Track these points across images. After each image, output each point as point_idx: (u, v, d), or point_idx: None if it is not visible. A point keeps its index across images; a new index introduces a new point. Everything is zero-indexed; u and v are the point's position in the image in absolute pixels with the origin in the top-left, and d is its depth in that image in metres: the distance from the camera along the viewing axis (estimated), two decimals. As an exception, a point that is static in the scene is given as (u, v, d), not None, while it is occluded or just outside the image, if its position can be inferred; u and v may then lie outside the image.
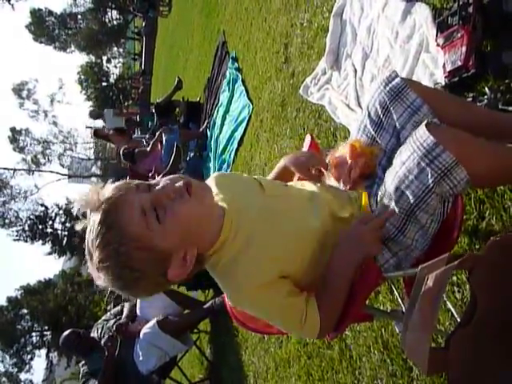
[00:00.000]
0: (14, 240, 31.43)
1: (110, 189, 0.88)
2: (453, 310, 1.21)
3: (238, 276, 0.92)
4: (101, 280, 0.87)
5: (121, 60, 39.36)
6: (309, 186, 1.15)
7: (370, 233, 0.94)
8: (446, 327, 1.28)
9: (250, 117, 3.75)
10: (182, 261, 0.90)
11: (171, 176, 0.92)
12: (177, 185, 0.89)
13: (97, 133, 6.82)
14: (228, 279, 0.95)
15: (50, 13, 34.65)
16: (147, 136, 6.49)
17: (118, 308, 3.78)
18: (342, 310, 0.95)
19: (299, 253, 0.97)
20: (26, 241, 31.37)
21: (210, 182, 1.10)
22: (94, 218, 0.85)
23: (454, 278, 1.30)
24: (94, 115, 6.95)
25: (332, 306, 0.95)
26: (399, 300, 1.32)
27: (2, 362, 30.25)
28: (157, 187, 0.89)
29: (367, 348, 1.63)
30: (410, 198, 0.88)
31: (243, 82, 4.12)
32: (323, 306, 0.94)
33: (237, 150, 3.97)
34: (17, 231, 31.23)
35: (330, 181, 1.12)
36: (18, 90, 34.16)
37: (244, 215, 0.98)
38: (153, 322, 3.14)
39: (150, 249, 0.86)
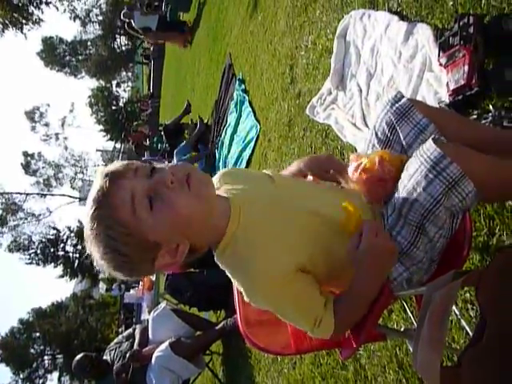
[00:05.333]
0: (27, 263, 31.68)
1: (112, 165, 0.88)
2: (467, 327, 1.20)
3: (252, 268, 0.89)
4: (93, 251, 0.88)
5: (130, 84, 40.21)
6: (321, 185, 1.12)
7: (392, 244, 0.91)
8: (461, 345, 1.27)
9: (258, 137, 3.80)
10: (172, 252, 0.89)
11: (176, 164, 0.91)
12: (178, 175, 0.87)
13: (130, 25, 8.44)
14: (242, 273, 0.92)
15: (61, 40, 35.69)
16: (157, 158, 6.60)
17: (130, 330, 3.77)
18: (357, 324, 0.94)
19: (315, 241, 0.94)
20: (38, 264, 31.58)
21: (218, 176, 1.08)
22: (92, 191, 0.86)
23: (467, 295, 1.29)
24: (127, 16, 8.36)
25: (354, 311, 0.93)
26: (412, 318, 1.32)
27: (15, 386, 30.09)
28: (157, 174, 0.87)
29: (382, 368, 1.61)
30: (419, 210, 0.89)
31: (250, 103, 4.19)
32: (345, 309, 0.92)
33: (245, 169, 4.01)
34: (29, 255, 31.49)
35: (348, 185, 1.08)
36: (30, 114, 34.98)
37: (254, 206, 0.96)
38: (165, 344, 3.12)
39: (138, 237, 0.85)
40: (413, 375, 1.46)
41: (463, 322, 1.22)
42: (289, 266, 0.90)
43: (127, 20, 8.57)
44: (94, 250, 0.87)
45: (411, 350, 1.41)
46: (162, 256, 0.89)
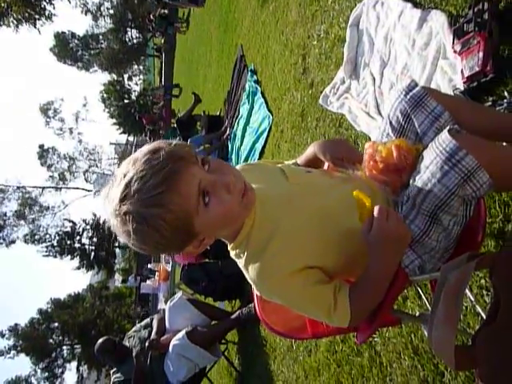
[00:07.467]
0: (44, 256, 32.33)
1: (176, 147, 0.86)
2: (482, 313, 1.22)
3: (264, 265, 0.94)
4: (118, 222, 0.84)
5: (141, 77, 40.36)
6: (335, 176, 1.13)
7: (403, 228, 0.91)
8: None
9: (271, 128, 3.81)
10: (197, 244, 0.93)
11: (238, 173, 0.94)
12: (239, 184, 0.91)
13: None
14: (254, 269, 0.95)
15: (73, 35, 35.93)
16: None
17: (148, 320, 3.86)
18: (375, 307, 0.95)
19: (325, 240, 0.97)
20: (56, 256, 32.18)
21: None
22: (153, 168, 0.81)
23: (482, 282, 1.30)
24: None
25: (369, 297, 0.95)
26: (427, 305, 1.33)
27: (35, 376, 30.90)
28: (217, 174, 0.89)
29: (397, 354, 1.64)
30: (433, 200, 0.90)
31: (262, 94, 4.19)
32: (360, 295, 0.94)
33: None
34: (46, 247, 32.10)
35: (360, 173, 1.09)
36: (45, 110, 35.43)
37: (268, 205, 0.99)
38: (182, 333, 3.19)
39: (188, 225, 0.87)
40: (428, 361, 1.48)
41: (478, 308, 1.23)
42: (299, 263, 0.94)
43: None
44: (127, 222, 0.83)
45: (426, 335, 1.43)
46: (189, 246, 0.92)
